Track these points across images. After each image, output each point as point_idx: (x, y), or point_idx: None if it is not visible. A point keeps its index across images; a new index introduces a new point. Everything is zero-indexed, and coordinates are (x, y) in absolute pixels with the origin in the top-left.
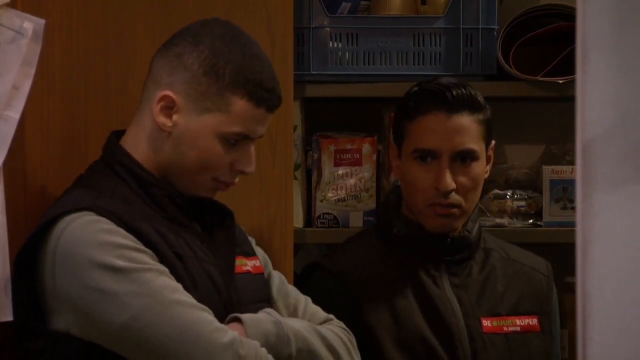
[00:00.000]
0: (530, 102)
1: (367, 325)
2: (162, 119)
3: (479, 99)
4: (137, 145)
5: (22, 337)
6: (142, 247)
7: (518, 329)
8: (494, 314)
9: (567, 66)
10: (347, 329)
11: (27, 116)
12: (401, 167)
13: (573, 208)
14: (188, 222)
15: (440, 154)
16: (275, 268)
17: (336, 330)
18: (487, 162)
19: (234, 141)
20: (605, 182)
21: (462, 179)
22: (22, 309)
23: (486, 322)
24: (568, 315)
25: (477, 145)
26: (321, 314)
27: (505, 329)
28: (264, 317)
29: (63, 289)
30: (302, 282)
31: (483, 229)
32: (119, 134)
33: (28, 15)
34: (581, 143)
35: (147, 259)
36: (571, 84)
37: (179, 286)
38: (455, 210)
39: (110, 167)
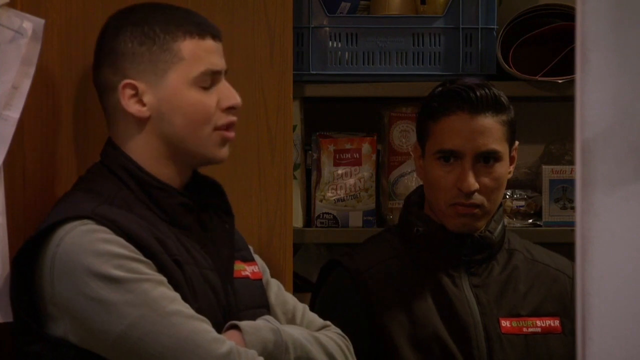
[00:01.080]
0: (530, 102)
1: (381, 324)
2: (135, 108)
3: (503, 99)
4: (131, 149)
5: (20, 339)
6: (141, 257)
7: (539, 330)
8: (514, 314)
9: (567, 66)
10: (344, 335)
11: (27, 116)
12: (424, 167)
13: (573, 208)
14: (190, 223)
15: (463, 155)
16: (274, 268)
17: (334, 337)
18: (511, 162)
19: (207, 84)
20: (605, 182)
21: (485, 180)
22: (20, 311)
23: (505, 323)
24: None
25: (500, 146)
26: (318, 321)
27: (525, 329)
28: (262, 325)
29: (61, 297)
30: (321, 279)
31: (508, 229)
32: None
33: (27, 15)
34: (580, 143)
35: (145, 269)
36: (570, 83)
37: (177, 296)
38: (477, 210)
39: (111, 171)
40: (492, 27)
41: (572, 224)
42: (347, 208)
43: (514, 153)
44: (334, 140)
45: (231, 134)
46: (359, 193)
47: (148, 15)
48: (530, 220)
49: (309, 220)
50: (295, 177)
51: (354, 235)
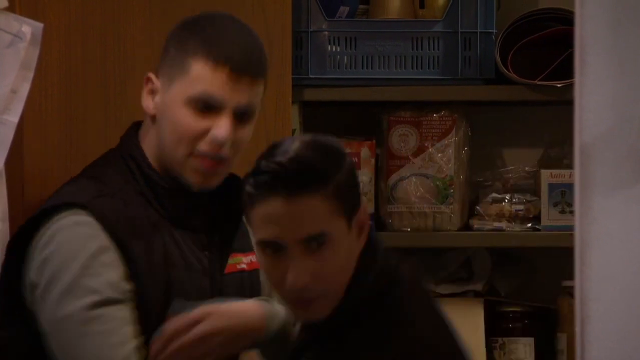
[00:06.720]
0: (529, 106)
1: None
2: (146, 103)
3: (326, 166)
4: (145, 140)
5: None
6: (117, 297)
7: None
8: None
9: (565, 70)
10: None
11: (26, 120)
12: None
13: (571, 212)
14: (192, 225)
15: (286, 245)
16: None
17: None
18: (360, 232)
19: (204, 107)
20: (603, 186)
21: (317, 266)
22: (8, 294)
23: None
24: (566, 319)
25: (328, 226)
26: None
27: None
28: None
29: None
30: None
31: None
32: (139, 125)
33: (26, 19)
34: (579, 146)
35: (114, 311)
36: (569, 87)
37: (131, 331)
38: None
39: (123, 160)
40: (491, 31)
41: (570, 227)
42: None
43: (363, 217)
44: None
45: (207, 165)
46: None
47: (197, 25)
48: (529, 225)
49: None
50: None
51: None
